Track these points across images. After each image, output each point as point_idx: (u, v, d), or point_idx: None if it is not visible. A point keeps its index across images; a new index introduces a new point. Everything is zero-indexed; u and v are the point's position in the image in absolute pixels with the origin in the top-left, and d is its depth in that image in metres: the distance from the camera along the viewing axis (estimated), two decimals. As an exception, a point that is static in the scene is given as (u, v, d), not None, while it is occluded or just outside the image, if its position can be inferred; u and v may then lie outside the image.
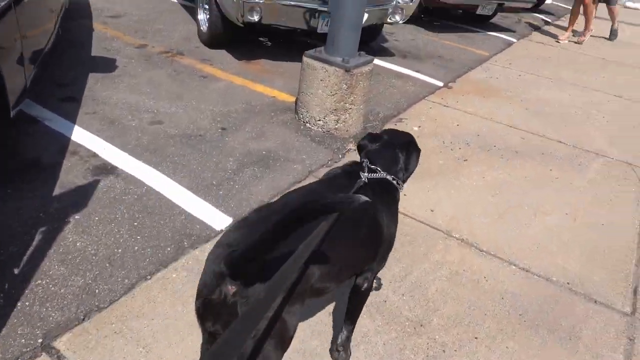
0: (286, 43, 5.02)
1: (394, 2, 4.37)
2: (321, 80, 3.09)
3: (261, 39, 5.04)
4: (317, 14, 3.97)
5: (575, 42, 6.81)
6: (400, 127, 3.56)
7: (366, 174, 1.52)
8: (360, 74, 3.09)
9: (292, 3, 3.89)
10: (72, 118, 3.04)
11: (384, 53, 5.18)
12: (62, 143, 2.77)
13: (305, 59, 3.15)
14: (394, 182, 1.59)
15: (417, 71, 4.74)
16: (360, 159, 1.63)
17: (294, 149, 3.06)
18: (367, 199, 0.97)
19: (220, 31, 4.34)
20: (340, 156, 3.05)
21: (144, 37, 4.65)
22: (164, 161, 2.75)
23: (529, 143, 3.58)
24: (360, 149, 1.69)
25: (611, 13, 7.10)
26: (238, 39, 4.68)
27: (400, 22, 4.59)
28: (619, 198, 2.99)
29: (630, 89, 5.12)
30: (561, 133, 3.80)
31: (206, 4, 4.39)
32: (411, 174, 1.70)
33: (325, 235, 1.08)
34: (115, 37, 4.54)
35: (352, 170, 1.56)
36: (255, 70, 4.21)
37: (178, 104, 3.40)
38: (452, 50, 5.72)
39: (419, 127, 3.59)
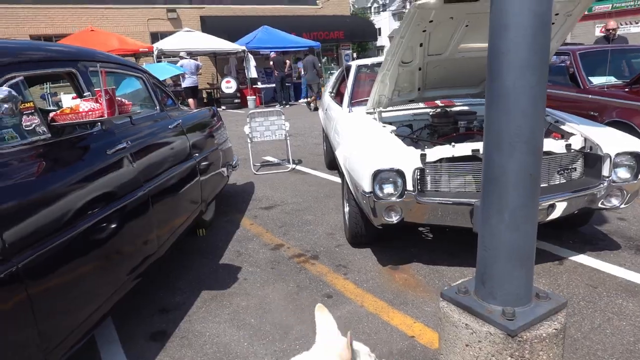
0: (454, 234, 3.89)
1: (606, 183, 2.93)
2: (467, 345, 1.84)
3: (421, 228, 4.04)
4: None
5: None
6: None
7: None
8: (538, 340, 1.74)
9: (440, 200, 2.86)
10: (141, 371, 2.40)
11: (601, 244, 3.54)
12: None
13: (441, 303, 1.98)
14: None
15: (664, 279, 2.97)
16: None
17: None
18: None
19: (362, 230, 3.52)
20: None
21: (286, 233, 4.15)
22: None
23: None
24: None
25: None
26: (389, 230, 3.78)
27: (621, 206, 3.04)
28: None
29: None
30: None
31: (348, 195, 3.70)
32: None
33: None
34: (256, 235, 4.14)
35: None
36: (400, 282, 3.15)
37: (276, 348, 2.51)
38: None
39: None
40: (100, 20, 16.91)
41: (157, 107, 3.44)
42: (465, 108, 4.01)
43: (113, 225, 2.36)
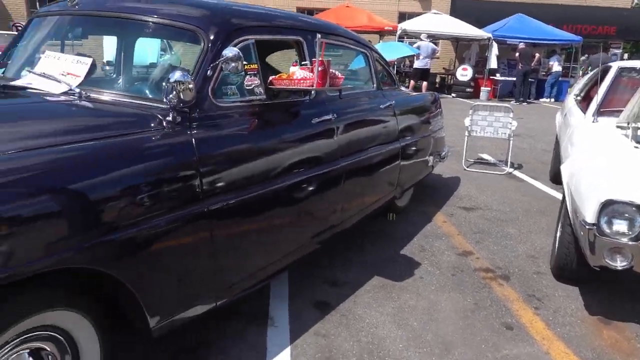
0: None
1: None
2: None
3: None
4: None
5: None
6: None
7: None
8: None
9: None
10: (287, 339, 2.45)
11: None
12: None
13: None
14: None
15: None
16: None
17: None
18: None
19: (572, 264, 2.91)
20: None
21: (479, 242, 3.76)
22: None
23: None
24: None
25: None
26: (610, 272, 3.06)
27: None
28: None
29: None
30: None
31: (564, 218, 3.10)
32: None
33: None
34: (446, 234, 3.86)
35: None
36: (607, 341, 2.51)
37: (431, 363, 2.29)
38: None
39: None
40: (356, -3, 18.02)
41: (374, 85, 3.43)
42: None
43: (302, 191, 2.45)
